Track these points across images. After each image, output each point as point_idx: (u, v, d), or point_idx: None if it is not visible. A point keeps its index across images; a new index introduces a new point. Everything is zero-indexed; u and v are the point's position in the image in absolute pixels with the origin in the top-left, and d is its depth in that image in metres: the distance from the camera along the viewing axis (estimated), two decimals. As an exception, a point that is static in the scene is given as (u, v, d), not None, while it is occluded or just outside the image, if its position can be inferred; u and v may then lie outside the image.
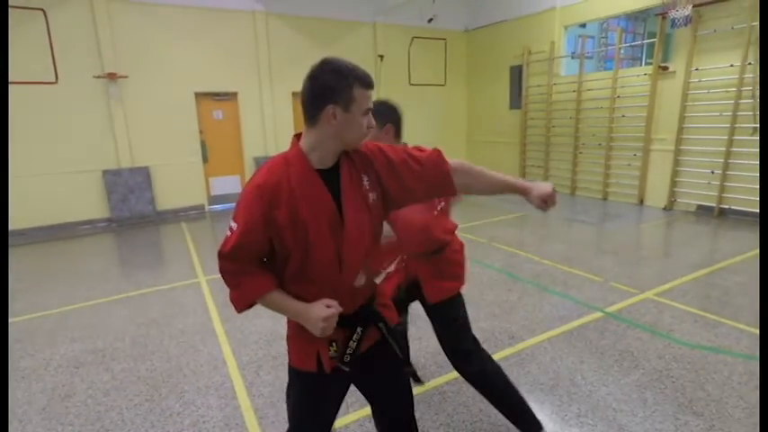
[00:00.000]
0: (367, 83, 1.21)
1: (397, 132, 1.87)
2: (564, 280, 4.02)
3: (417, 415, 2.27)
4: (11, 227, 6.21)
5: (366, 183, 1.29)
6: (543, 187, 1.38)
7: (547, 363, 2.71)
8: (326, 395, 1.40)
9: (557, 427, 2.16)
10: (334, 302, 1.23)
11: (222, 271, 1.26)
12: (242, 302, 1.28)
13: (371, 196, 1.29)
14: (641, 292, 3.71)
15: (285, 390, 1.45)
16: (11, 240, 6.13)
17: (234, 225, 1.20)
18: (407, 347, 2.45)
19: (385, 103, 1.85)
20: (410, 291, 2.07)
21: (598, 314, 3.33)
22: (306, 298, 1.25)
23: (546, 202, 1.37)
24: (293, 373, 1.40)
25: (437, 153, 1.35)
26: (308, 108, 1.20)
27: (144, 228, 6.83)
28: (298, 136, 1.28)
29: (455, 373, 2.60)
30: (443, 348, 2.08)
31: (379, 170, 1.30)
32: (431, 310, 2.06)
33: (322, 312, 1.21)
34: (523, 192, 1.39)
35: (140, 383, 2.66)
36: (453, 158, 1.36)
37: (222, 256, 1.22)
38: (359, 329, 1.33)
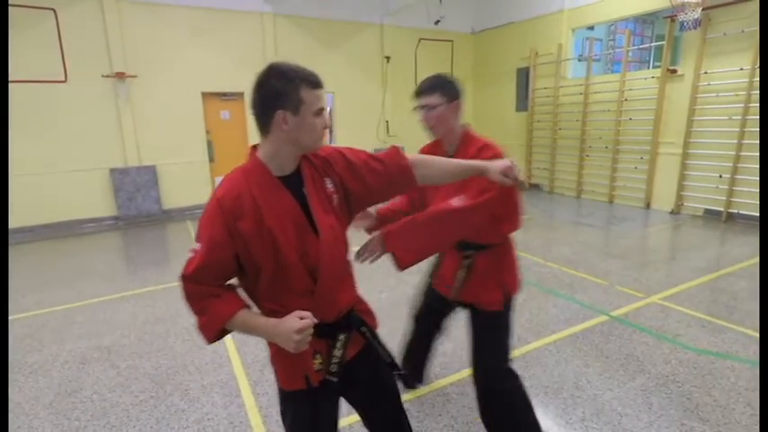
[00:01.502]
0: (314, 82, 1.17)
1: (461, 110, 1.77)
2: (569, 283, 4.01)
3: (421, 417, 2.28)
4: (19, 224, 6.27)
5: (329, 185, 1.28)
6: (500, 162, 1.39)
7: (551, 366, 2.70)
8: (320, 413, 1.32)
9: (561, 431, 2.15)
10: (307, 314, 1.13)
11: (187, 295, 1.18)
12: (211, 329, 1.18)
13: (335, 198, 1.29)
14: (647, 296, 3.69)
15: (280, 413, 1.38)
16: (19, 237, 6.19)
17: (197, 246, 1.15)
18: (424, 357, 2.37)
19: (452, 78, 1.75)
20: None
21: (604, 318, 3.31)
22: (284, 313, 1.15)
23: (507, 175, 1.37)
24: (284, 396, 1.33)
25: (396, 150, 1.38)
26: (258, 117, 1.18)
27: (150, 226, 6.88)
28: (254, 147, 1.25)
29: (458, 375, 2.61)
30: (480, 362, 1.87)
31: (340, 172, 1.30)
32: (481, 314, 1.85)
33: (294, 324, 1.10)
34: (483, 171, 1.40)
35: (146, 380, 2.67)
36: (409, 154, 1.41)
37: (186, 278, 1.15)
38: (341, 336, 1.29)
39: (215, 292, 1.17)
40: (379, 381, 1.44)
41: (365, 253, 1.53)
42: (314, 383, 1.26)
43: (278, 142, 1.19)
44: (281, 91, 1.13)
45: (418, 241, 1.54)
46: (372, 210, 1.82)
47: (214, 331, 1.19)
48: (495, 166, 1.37)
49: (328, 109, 1.23)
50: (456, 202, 1.56)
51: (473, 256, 1.80)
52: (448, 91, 1.69)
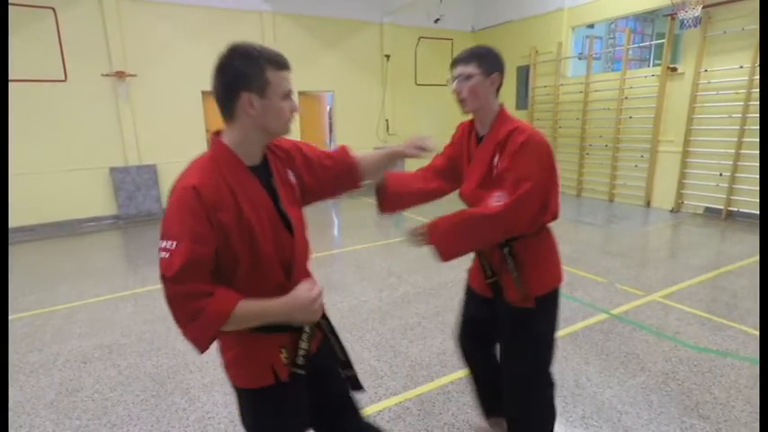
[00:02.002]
0: (280, 63, 1.12)
1: (501, 84, 1.62)
2: (570, 281, 4.01)
3: (422, 415, 2.28)
4: (19, 223, 6.27)
5: (292, 177, 1.29)
6: (413, 137, 1.48)
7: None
8: (288, 407, 1.28)
9: (561, 429, 2.15)
10: (311, 281, 1.16)
11: (172, 299, 1.05)
12: (207, 334, 1.08)
13: (297, 191, 1.30)
14: (647, 294, 3.69)
15: (240, 417, 1.32)
16: (19, 237, 6.19)
17: (169, 244, 1.03)
18: (493, 381, 1.93)
19: (492, 49, 1.61)
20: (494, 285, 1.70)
21: (604, 316, 3.31)
22: None
23: (422, 148, 1.46)
24: (248, 396, 1.26)
25: (344, 148, 1.45)
26: (222, 102, 1.12)
27: (150, 225, 6.88)
28: (217, 134, 1.18)
29: (459, 373, 2.61)
30: (509, 366, 1.73)
31: (299, 165, 1.32)
32: (520, 312, 1.64)
33: (311, 294, 1.12)
34: (402, 153, 1.48)
35: (146, 379, 2.68)
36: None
37: (170, 280, 1.03)
38: (307, 329, 1.26)
39: (207, 290, 1.05)
40: (338, 373, 1.42)
41: (412, 239, 1.57)
42: (282, 378, 1.22)
43: (245, 128, 1.13)
44: (245, 72, 1.07)
45: (460, 242, 1.54)
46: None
47: (211, 335, 1.08)
48: (409, 143, 1.45)
49: (296, 93, 1.19)
50: (495, 200, 1.48)
51: (512, 245, 1.61)
52: (486, 62, 1.56)
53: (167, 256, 1.03)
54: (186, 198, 1.05)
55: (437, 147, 1.48)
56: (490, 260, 1.70)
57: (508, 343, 1.73)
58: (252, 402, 1.27)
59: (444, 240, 1.53)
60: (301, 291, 1.14)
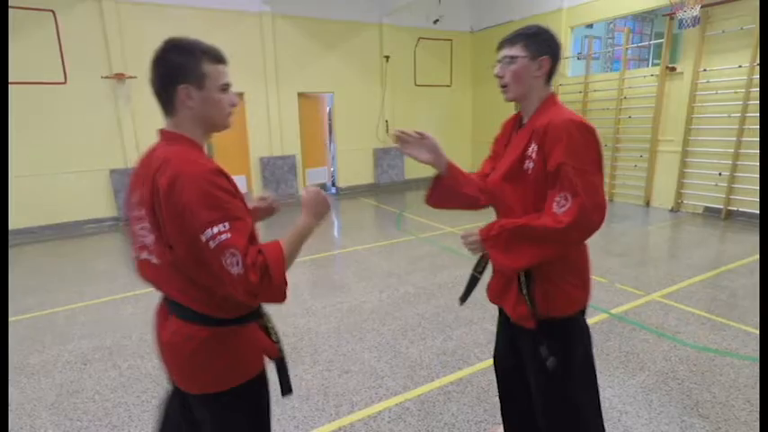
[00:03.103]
0: (216, 57, 1.14)
1: (553, 69, 1.41)
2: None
3: (422, 415, 2.29)
4: (20, 225, 6.28)
5: None
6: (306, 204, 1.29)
7: (552, 364, 2.71)
8: (268, 395, 1.31)
9: (561, 428, 2.15)
10: (307, 189, 1.27)
11: (251, 270, 1.01)
12: (282, 278, 1.09)
13: None
14: (647, 293, 3.70)
15: (215, 422, 1.25)
16: (20, 239, 6.20)
17: (224, 225, 1.01)
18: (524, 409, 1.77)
19: (544, 29, 1.41)
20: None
21: (604, 316, 3.32)
22: (230, 300, 1.15)
23: (318, 214, 1.30)
24: (239, 394, 1.22)
25: None
26: (160, 95, 1.13)
27: (151, 227, 6.87)
28: (163, 131, 1.18)
29: (460, 373, 2.62)
30: (547, 408, 1.55)
31: None
32: (539, 336, 1.44)
33: (312, 191, 1.25)
34: (307, 228, 1.27)
35: (147, 380, 2.68)
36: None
37: (245, 248, 1.02)
38: (265, 311, 1.31)
39: (261, 249, 1.07)
40: None
41: (466, 245, 1.47)
42: (274, 355, 1.28)
43: (186, 122, 1.14)
44: (181, 64, 1.09)
45: (515, 255, 1.35)
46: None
47: (284, 279, 1.09)
48: (303, 212, 1.27)
49: (233, 86, 1.22)
50: (558, 207, 1.27)
51: None
52: (534, 43, 1.37)
53: (229, 235, 1.01)
54: (217, 182, 1.05)
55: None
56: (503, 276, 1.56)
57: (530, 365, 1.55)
58: (245, 395, 1.25)
59: (499, 255, 1.38)
60: (314, 195, 1.25)
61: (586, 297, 1.48)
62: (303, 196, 1.28)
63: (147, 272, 1.21)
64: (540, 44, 1.38)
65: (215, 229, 1.01)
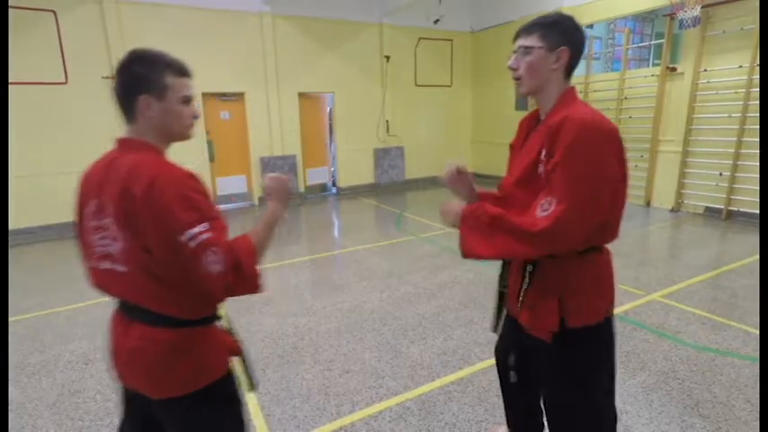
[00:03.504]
0: (180, 70, 1.17)
1: (573, 62, 1.31)
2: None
3: (422, 415, 2.29)
4: (20, 225, 6.28)
5: None
6: (269, 189, 1.34)
7: (552, 364, 2.71)
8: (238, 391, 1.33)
9: (562, 428, 2.15)
10: (269, 177, 1.31)
11: (232, 269, 1.07)
12: (255, 270, 1.14)
13: None
14: (648, 293, 3.70)
15: (191, 424, 1.23)
16: (20, 239, 6.20)
17: (204, 225, 1.06)
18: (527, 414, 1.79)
19: (564, 18, 1.32)
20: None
21: (604, 315, 3.32)
22: (198, 301, 1.18)
23: (278, 197, 1.33)
24: (210, 393, 1.21)
25: None
26: (122, 103, 1.16)
27: (151, 227, 6.88)
28: (124, 140, 1.19)
29: (461, 373, 2.62)
30: (554, 402, 1.50)
31: None
32: (554, 349, 1.36)
33: (275, 179, 1.30)
34: (274, 217, 1.30)
35: (148, 380, 2.68)
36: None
37: (225, 252, 1.07)
38: (225, 314, 1.34)
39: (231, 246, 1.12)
40: None
41: (443, 214, 1.45)
42: (238, 353, 1.32)
43: (146, 131, 1.16)
44: (143, 75, 1.12)
45: (487, 245, 1.29)
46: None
47: (258, 271, 1.14)
48: (269, 201, 1.31)
49: (198, 102, 1.20)
50: (541, 210, 1.20)
51: (537, 263, 1.36)
52: (552, 33, 1.28)
53: (210, 234, 1.06)
54: (192, 185, 1.10)
55: (295, 192, 1.41)
56: (508, 266, 1.50)
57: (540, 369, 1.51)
58: (216, 394, 1.24)
59: (470, 235, 1.32)
60: (273, 182, 1.30)
61: (606, 306, 1.38)
62: (267, 184, 1.30)
63: (109, 281, 1.19)
64: (559, 34, 1.28)
65: (195, 230, 1.05)
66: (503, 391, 1.81)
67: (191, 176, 1.11)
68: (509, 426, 1.89)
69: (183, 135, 1.23)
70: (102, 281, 1.21)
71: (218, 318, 1.28)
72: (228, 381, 1.28)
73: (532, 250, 1.23)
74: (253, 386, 1.39)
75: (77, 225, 1.25)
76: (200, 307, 1.20)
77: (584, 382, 1.40)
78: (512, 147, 1.57)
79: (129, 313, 1.20)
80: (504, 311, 1.61)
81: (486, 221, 1.30)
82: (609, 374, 1.46)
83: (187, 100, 1.19)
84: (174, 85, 1.15)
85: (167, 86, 1.14)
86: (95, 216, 1.16)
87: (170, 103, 1.15)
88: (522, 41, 1.33)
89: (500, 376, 1.78)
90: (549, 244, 1.20)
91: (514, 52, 1.36)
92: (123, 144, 1.19)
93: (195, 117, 1.23)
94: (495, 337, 1.80)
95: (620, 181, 1.26)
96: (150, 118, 1.15)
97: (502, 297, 1.57)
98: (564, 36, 1.29)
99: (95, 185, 1.17)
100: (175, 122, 1.18)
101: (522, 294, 1.38)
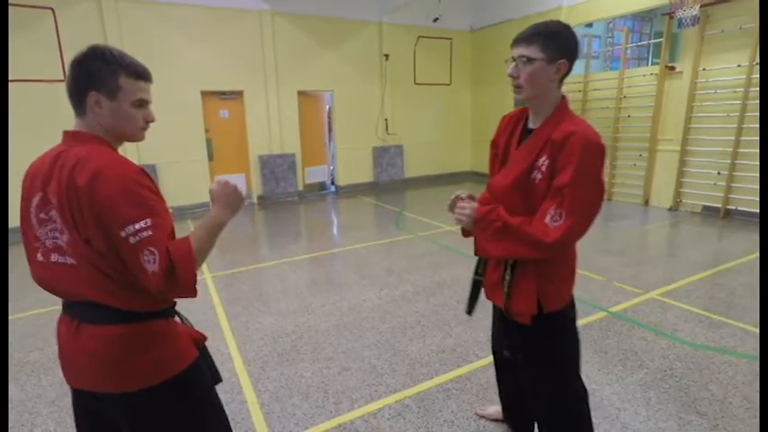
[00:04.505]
0: (137, 73, 1.16)
1: (568, 71, 1.41)
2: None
3: (421, 413, 2.30)
4: (19, 223, 6.27)
5: None
6: (215, 194, 1.28)
7: (550, 361, 2.72)
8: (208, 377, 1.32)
9: (560, 425, 2.16)
10: (218, 182, 1.26)
11: (189, 269, 1.07)
12: (192, 275, 1.10)
13: None
14: (646, 292, 3.71)
15: (160, 416, 1.20)
16: (19, 236, 6.18)
17: (145, 222, 1.04)
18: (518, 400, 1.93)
19: (563, 29, 1.36)
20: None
21: (602, 314, 3.33)
22: (150, 298, 1.15)
23: (227, 203, 1.27)
24: (179, 383, 1.20)
25: None
26: (73, 96, 1.15)
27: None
28: (73, 132, 1.19)
29: (459, 371, 2.63)
30: (541, 396, 1.64)
31: None
32: (535, 330, 1.51)
33: (228, 184, 1.23)
34: (219, 221, 1.24)
35: (148, 378, 2.69)
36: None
37: (163, 254, 1.05)
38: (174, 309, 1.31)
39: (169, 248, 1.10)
40: None
41: (457, 214, 1.51)
42: (203, 341, 1.32)
43: (95, 126, 1.16)
44: (97, 73, 1.12)
45: (498, 246, 1.43)
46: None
47: (195, 276, 1.11)
48: (213, 205, 1.26)
49: (151, 106, 1.21)
50: (551, 219, 1.32)
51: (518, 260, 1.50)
52: (553, 45, 1.33)
53: (150, 233, 1.04)
54: (140, 180, 1.08)
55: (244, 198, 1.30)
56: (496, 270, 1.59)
57: (519, 352, 1.64)
58: (186, 383, 1.23)
59: (483, 236, 1.46)
60: (226, 188, 1.23)
61: (571, 291, 1.56)
62: (213, 189, 1.25)
63: (59, 275, 1.16)
64: (558, 46, 1.34)
65: (136, 226, 1.03)
66: (496, 371, 1.97)
67: (140, 171, 1.10)
68: (503, 407, 2.05)
69: (134, 137, 1.21)
70: (51, 276, 1.18)
71: (169, 314, 1.24)
72: (193, 371, 1.24)
73: (539, 254, 1.38)
74: (216, 379, 1.36)
75: (22, 219, 1.26)
76: (152, 300, 1.16)
77: (564, 362, 1.57)
78: (494, 144, 1.65)
79: (77, 314, 1.18)
80: (478, 297, 1.74)
81: (499, 226, 1.42)
82: (578, 352, 1.61)
83: (141, 103, 1.18)
84: (127, 87, 1.14)
85: (120, 87, 1.13)
86: (41, 209, 1.16)
87: (120, 103, 1.14)
88: (522, 51, 1.37)
89: (494, 357, 1.94)
90: (555, 251, 1.35)
91: (513, 59, 1.39)
92: (71, 137, 1.18)
93: (148, 121, 1.21)
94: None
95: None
96: (99, 115, 1.14)
97: (476, 284, 1.71)
98: (563, 48, 1.35)
99: (41, 178, 1.16)
100: (124, 124, 1.17)
101: (505, 286, 1.52)
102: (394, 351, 2.90)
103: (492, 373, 2.04)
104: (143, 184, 1.08)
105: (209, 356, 1.37)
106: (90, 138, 1.15)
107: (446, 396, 2.42)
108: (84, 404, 1.28)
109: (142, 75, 1.18)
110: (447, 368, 2.68)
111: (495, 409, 2.16)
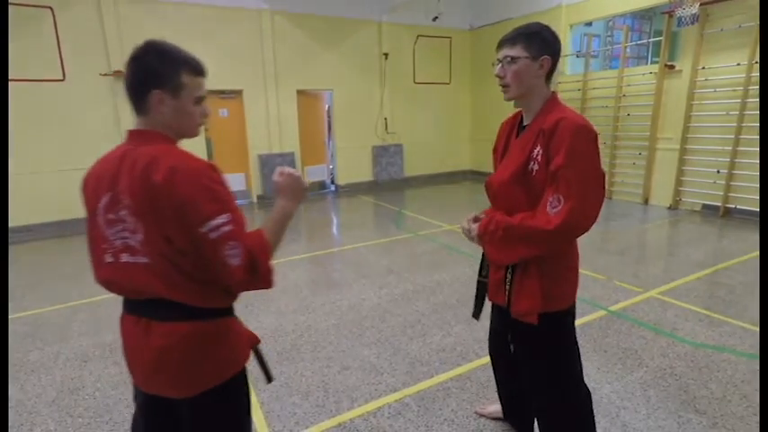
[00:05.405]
0: (196, 69, 1.15)
1: (553, 68, 1.45)
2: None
3: (421, 411, 2.30)
4: (19, 223, 6.27)
5: None
6: (277, 184, 1.30)
7: (550, 360, 2.72)
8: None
9: (560, 424, 2.17)
10: (278, 172, 1.27)
11: (254, 261, 1.07)
12: (268, 265, 1.13)
13: None
14: (645, 290, 3.71)
15: (200, 420, 1.21)
16: (19, 236, 6.19)
17: (225, 217, 1.05)
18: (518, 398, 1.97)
19: (544, 28, 1.44)
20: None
21: (602, 312, 3.33)
22: (216, 290, 1.17)
23: (292, 194, 1.30)
24: (239, 380, 1.23)
25: None
26: (133, 94, 1.13)
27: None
28: (137, 132, 1.17)
29: (459, 369, 2.63)
30: (539, 384, 1.64)
31: None
32: (539, 329, 1.50)
33: (294, 176, 1.25)
34: (286, 211, 1.27)
35: (148, 377, 2.69)
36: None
37: (244, 247, 1.06)
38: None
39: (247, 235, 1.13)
40: None
41: (466, 235, 1.61)
42: (256, 343, 1.33)
43: (158, 124, 1.14)
44: (159, 71, 1.09)
45: (509, 251, 1.46)
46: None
47: (271, 267, 1.14)
48: (279, 197, 1.28)
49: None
50: (551, 207, 1.34)
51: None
52: (534, 44, 1.40)
53: (231, 227, 1.05)
54: (214, 176, 1.08)
55: (305, 182, 1.33)
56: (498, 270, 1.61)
57: (519, 353, 1.67)
58: (240, 383, 1.26)
59: (491, 248, 1.51)
60: (284, 179, 1.25)
61: (574, 293, 1.57)
62: (278, 181, 1.26)
63: (128, 275, 1.14)
64: (540, 44, 1.41)
65: (217, 221, 1.04)
66: (494, 373, 1.99)
67: (212, 167, 1.09)
68: (502, 404, 2.07)
69: (192, 133, 1.21)
70: (121, 276, 1.16)
71: (229, 313, 1.26)
72: (243, 374, 1.27)
73: (549, 247, 1.40)
74: (270, 378, 1.37)
75: (88, 221, 1.22)
76: (221, 297, 1.18)
77: (566, 361, 1.58)
78: (495, 150, 1.69)
79: (146, 312, 1.15)
80: (485, 300, 1.74)
81: (500, 235, 1.46)
82: (579, 353, 1.62)
83: (200, 100, 1.17)
84: (189, 84, 1.13)
85: (183, 85, 1.11)
86: (110, 209, 1.13)
87: (184, 102, 1.13)
88: (507, 51, 1.44)
89: (491, 358, 1.96)
90: (564, 237, 1.36)
91: (499, 61, 1.47)
92: (136, 136, 1.16)
93: (205, 116, 1.21)
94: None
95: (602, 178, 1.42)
96: (162, 113, 1.12)
97: (482, 286, 1.73)
98: (545, 45, 1.42)
99: (108, 179, 1.13)
100: (186, 122, 1.16)
101: (507, 285, 1.54)
102: (394, 350, 2.91)
103: (492, 372, 2.04)
104: (216, 180, 1.08)
105: (263, 357, 1.37)
106: (155, 136, 1.14)
107: (446, 395, 2.42)
108: (150, 405, 1.31)
109: (201, 71, 1.17)
110: (447, 367, 2.68)
111: (495, 407, 2.17)
